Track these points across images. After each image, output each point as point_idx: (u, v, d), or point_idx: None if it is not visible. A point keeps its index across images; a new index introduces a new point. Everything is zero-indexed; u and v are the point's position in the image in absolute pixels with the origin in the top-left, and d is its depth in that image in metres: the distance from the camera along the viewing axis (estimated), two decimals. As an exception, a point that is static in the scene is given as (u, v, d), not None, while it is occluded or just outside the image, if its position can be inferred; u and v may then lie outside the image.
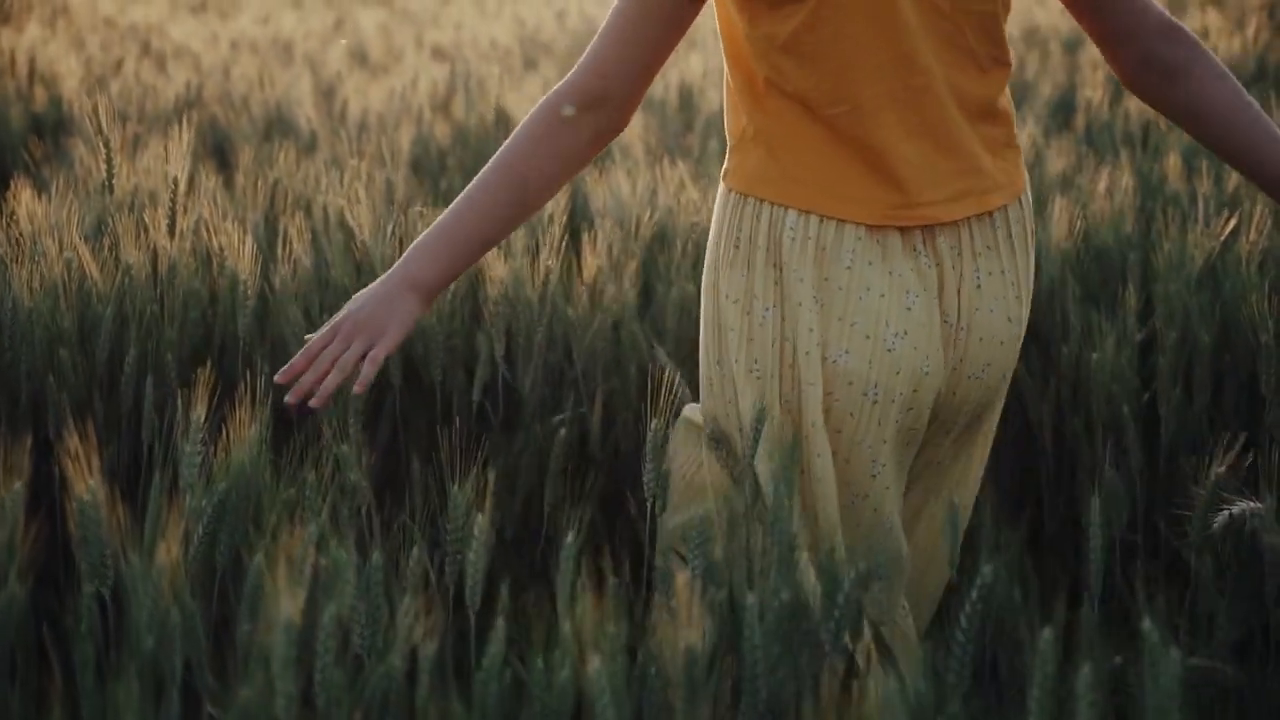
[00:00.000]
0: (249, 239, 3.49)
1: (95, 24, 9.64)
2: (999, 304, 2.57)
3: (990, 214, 2.57)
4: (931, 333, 2.53)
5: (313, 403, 2.52)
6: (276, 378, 2.55)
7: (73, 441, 2.19)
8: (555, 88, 2.52)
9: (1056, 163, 4.78)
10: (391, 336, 2.51)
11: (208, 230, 3.61)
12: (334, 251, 3.64)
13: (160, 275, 3.47)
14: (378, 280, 2.57)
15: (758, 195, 2.51)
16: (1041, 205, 4.30)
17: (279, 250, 3.55)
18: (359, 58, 8.01)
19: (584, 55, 2.51)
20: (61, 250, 3.38)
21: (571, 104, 2.49)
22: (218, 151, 5.77)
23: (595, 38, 2.52)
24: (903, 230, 2.51)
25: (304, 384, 2.52)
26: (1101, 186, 4.46)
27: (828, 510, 2.52)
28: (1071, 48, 7.80)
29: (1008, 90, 2.63)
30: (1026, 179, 2.65)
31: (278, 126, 5.90)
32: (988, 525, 2.51)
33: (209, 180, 4.53)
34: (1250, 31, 7.51)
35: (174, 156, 3.93)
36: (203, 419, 2.51)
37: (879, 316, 2.49)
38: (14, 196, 3.57)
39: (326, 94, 6.60)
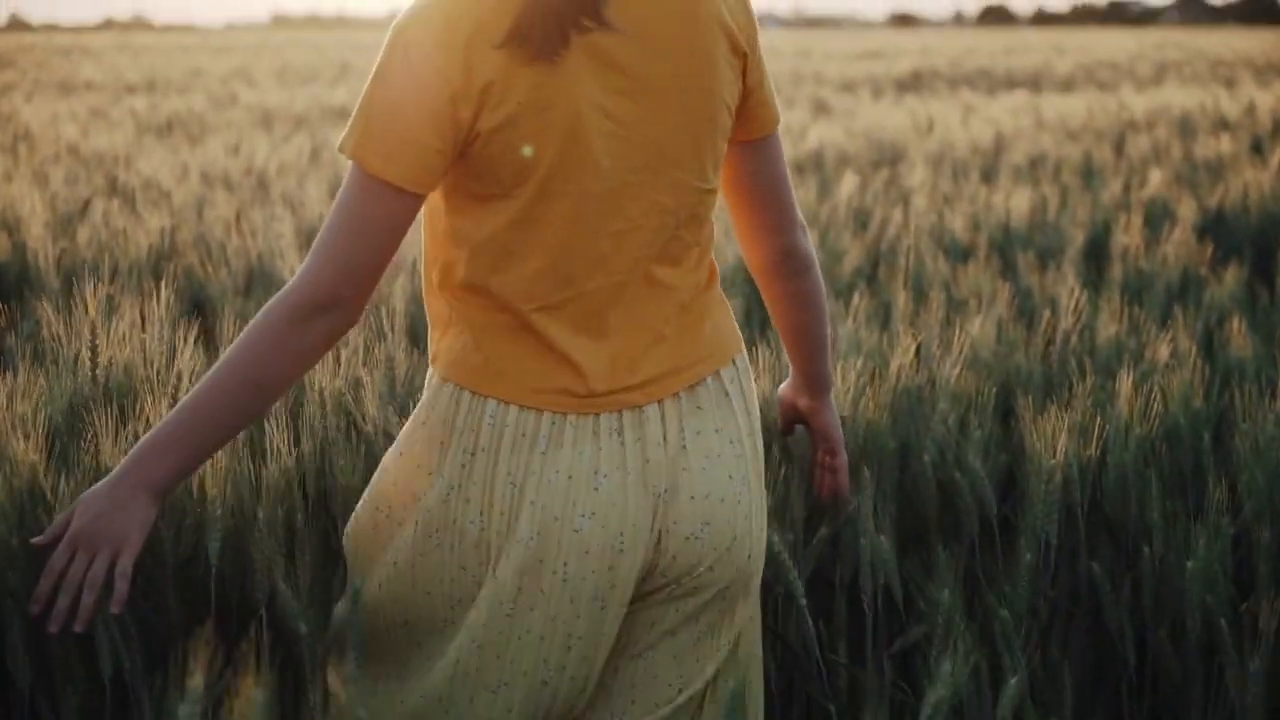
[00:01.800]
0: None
1: (59, 152, 9.28)
2: (713, 461, 2.61)
3: (700, 381, 2.63)
4: (624, 510, 2.54)
5: (76, 626, 2.51)
6: (33, 608, 2.53)
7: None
8: (284, 291, 2.50)
9: (1108, 326, 4.42)
10: (133, 544, 2.51)
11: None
12: (337, 448, 3.23)
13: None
14: (105, 482, 2.54)
15: (457, 382, 2.56)
16: (1106, 377, 3.97)
17: (270, 445, 3.15)
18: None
19: (310, 257, 2.49)
20: (26, 452, 2.99)
21: (302, 308, 2.47)
22: (196, 307, 5.37)
23: (320, 239, 2.49)
24: (597, 413, 2.55)
25: (60, 609, 2.51)
26: (1162, 355, 4.13)
27: (513, 686, 2.58)
28: (1089, 179, 7.50)
29: (711, 256, 2.70)
30: (738, 335, 2.73)
31: (259, 280, 5.50)
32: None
33: (191, 359, 4.16)
34: (1275, 162, 7.22)
35: (151, 322, 3.63)
36: (200, 687, 2.16)
37: (567, 499, 2.52)
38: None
39: (309, 239, 6.21)
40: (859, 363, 3.66)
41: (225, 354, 2.52)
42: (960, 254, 6.12)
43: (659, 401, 2.58)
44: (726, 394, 2.65)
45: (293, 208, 6.84)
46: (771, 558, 3.19)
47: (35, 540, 2.59)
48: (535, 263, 2.49)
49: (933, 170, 7.94)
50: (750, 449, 2.67)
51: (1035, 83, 19.54)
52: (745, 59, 2.56)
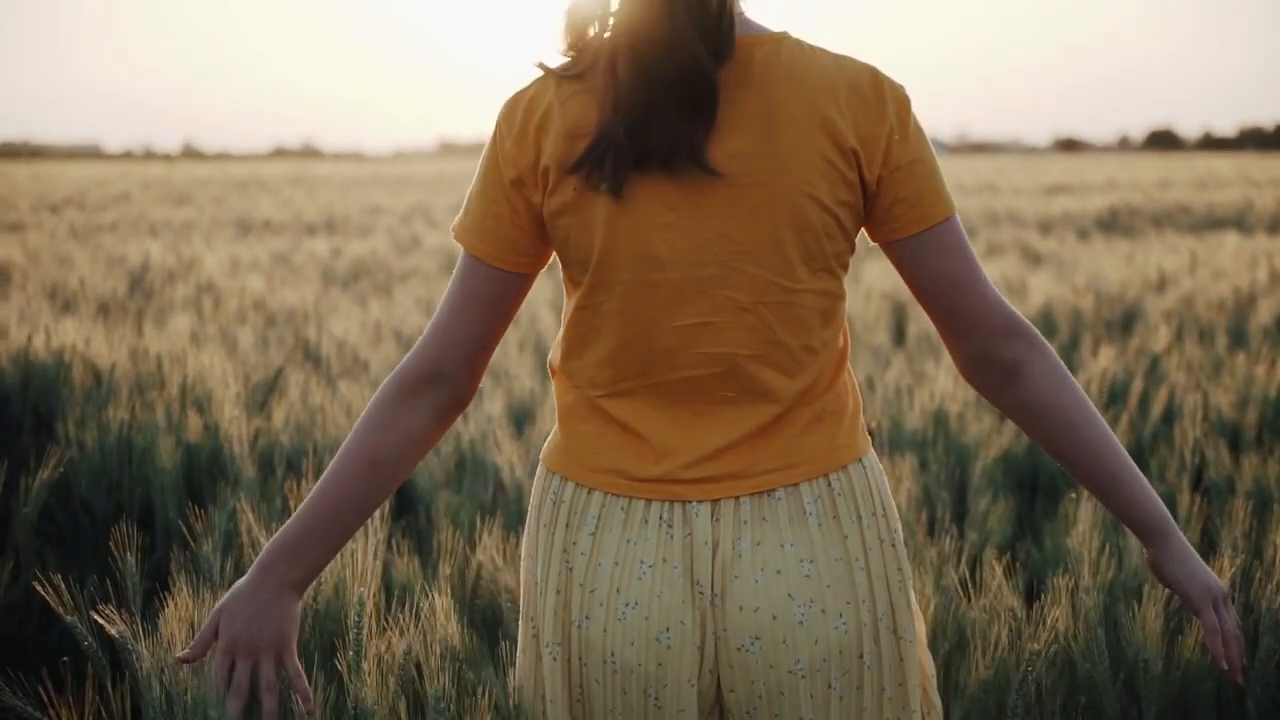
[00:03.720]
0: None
1: (244, 307, 8.98)
2: (770, 577, 2.49)
3: (770, 491, 2.51)
4: (668, 604, 2.49)
5: None
6: None
7: None
8: (396, 367, 2.62)
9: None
10: (290, 643, 2.59)
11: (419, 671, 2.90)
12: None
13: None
14: (244, 586, 2.60)
15: (541, 459, 2.64)
16: None
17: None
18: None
19: (423, 333, 2.60)
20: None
21: (408, 381, 2.57)
22: (401, 502, 4.97)
23: (433, 316, 2.61)
24: (648, 499, 2.51)
25: (232, 716, 2.56)
26: None
27: None
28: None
29: (842, 361, 2.59)
30: (849, 451, 2.56)
31: (471, 470, 5.08)
32: None
33: (406, 567, 3.76)
34: None
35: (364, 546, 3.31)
36: None
37: (612, 584, 2.50)
38: (168, 606, 2.86)
39: (520, 418, 5.79)
40: (1160, 590, 3.29)
41: (347, 437, 2.61)
42: (1228, 431, 5.64)
43: (714, 501, 2.51)
44: (804, 512, 2.52)
45: (498, 379, 6.43)
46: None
47: (181, 655, 2.63)
48: (601, 349, 2.52)
49: (1174, 331, 7.43)
50: (835, 574, 2.52)
51: (1241, 221, 18.98)
52: (858, 156, 2.45)
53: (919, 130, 2.52)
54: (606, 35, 2.42)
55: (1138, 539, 2.75)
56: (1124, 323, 8.37)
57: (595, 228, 2.44)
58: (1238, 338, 7.67)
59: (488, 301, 2.54)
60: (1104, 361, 5.90)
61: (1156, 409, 5.69)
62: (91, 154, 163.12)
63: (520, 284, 2.56)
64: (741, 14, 2.47)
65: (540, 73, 2.49)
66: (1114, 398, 6.12)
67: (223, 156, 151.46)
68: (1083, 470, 2.63)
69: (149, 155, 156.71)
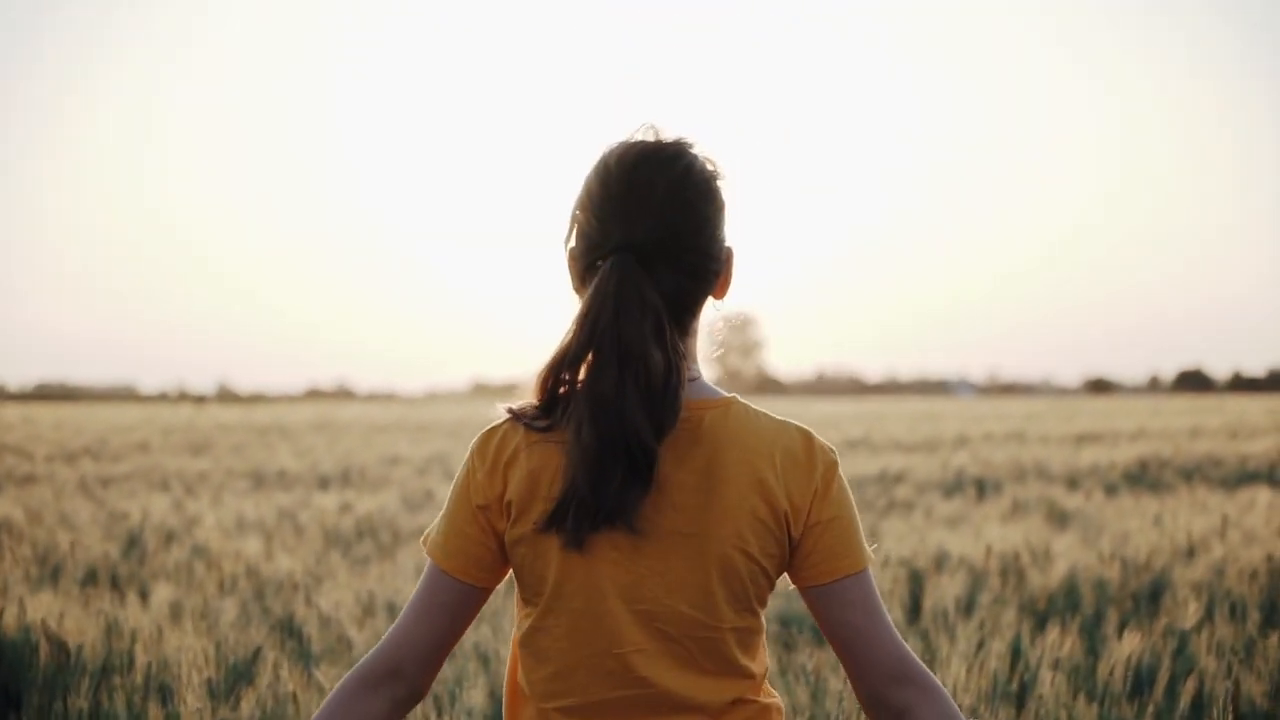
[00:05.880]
0: None
1: (236, 575, 8.65)
2: None
3: None
4: None
5: None
6: None
7: None
8: (358, 662, 2.82)
9: None
10: None
11: None
12: None
13: None
14: None
15: None
16: None
17: None
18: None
19: (389, 630, 2.81)
20: None
21: (369, 676, 2.77)
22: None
23: (399, 617, 2.82)
24: None
25: None
26: None
27: None
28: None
29: (762, 682, 2.81)
30: None
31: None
32: None
33: None
34: None
35: None
36: None
37: None
38: None
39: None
40: None
41: None
42: (1264, 724, 5.27)
43: None
44: None
45: (485, 662, 6.07)
46: None
47: None
48: (551, 666, 2.74)
49: (1204, 606, 7.05)
50: None
51: (1273, 475, 18.68)
52: (788, 518, 2.73)
53: (842, 489, 2.78)
54: (571, 396, 2.68)
55: None
56: (1151, 593, 8.01)
57: (550, 560, 2.71)
58: (1271, 613, 7.30)
59: (449, 610, 2.79)
60: (1129, 646, 5.54)
61: (1185, 700, 5.31)
62: (126, 395, 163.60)
63: (480, 596, 2.82)
64: (696, 380, 2.76)
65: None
66: (1139, 686, 5.75)
67: (256, 398, 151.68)
68: None
69: (182, 397, 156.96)
